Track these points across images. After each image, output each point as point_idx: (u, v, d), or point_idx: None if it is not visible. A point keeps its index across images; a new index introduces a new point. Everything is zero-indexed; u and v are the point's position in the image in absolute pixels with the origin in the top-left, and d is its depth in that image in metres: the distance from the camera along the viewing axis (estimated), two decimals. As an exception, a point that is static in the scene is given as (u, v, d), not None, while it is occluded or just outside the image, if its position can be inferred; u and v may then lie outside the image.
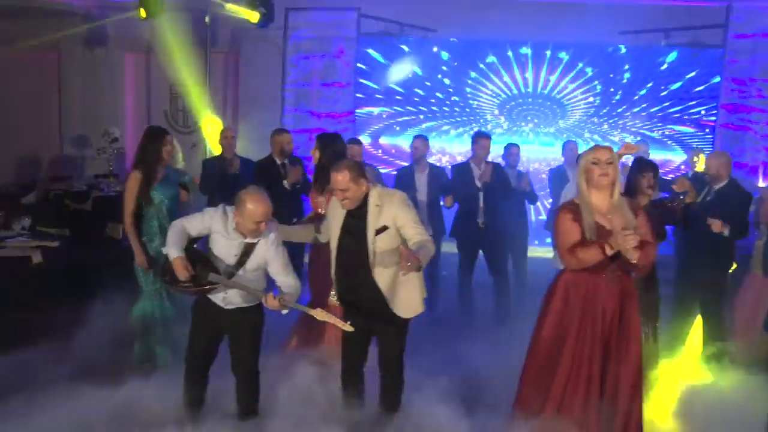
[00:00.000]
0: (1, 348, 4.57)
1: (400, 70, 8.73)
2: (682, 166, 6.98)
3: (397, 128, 8.91)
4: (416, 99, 8.77)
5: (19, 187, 8.97)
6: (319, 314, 3.47)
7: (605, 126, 8.45)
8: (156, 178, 4.79)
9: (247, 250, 3.62)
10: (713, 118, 8.08)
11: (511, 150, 6.67)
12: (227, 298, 3.71)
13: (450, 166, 6.88)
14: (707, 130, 8.13)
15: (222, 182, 6.16)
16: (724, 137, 7.95)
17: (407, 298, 3.78)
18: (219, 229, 3.62)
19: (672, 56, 8.19)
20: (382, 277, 3.71)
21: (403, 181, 6.24)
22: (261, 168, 6.12)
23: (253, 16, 8.33)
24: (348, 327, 3.48)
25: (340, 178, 3.65)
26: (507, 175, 6.39)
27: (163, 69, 10.59)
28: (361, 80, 8.69)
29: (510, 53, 8.38)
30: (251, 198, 3.50)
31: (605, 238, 3.42)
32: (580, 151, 6.71)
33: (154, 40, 10.32)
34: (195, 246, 3.80)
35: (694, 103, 8.14)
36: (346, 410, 3.88)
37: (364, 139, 8.84)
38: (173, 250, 3.61)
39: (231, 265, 3.64)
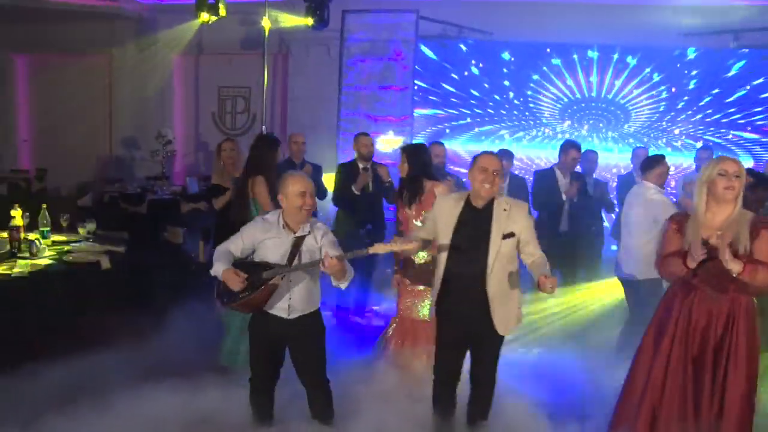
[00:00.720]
0: (78, 351, 4.52)
1: (459, 73, 8.57)
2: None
3: (448, 131, 8.76)
4: (473, 102, 8.61)
5: (75, 189, 9.01)
6: (379, 249, 3.42)
7: (669, 131, 8.19)
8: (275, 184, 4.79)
9: (297, 244, 3.58)
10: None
11: (589, 156, 6.48)
12: (292, 305, 3.62)
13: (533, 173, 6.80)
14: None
15: None
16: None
17: (508, 313, 3.64)
18: (266, 234, 3.60)
19: (741, 62, 7.90)
20: (492, 285, 3.55)
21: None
22: (339, 171, 6.10)
23: (308, 21, 8.24)
24: (414, 244, 3.55)
25: (496, 160, 3.57)
26: (587, 185, 6.24)
27: (212, 71, 10.69)
28: (418, 82, 8.54)
29: (575, 56, 8.16)
30: (290, 175, 3.64)
31: (711, 253, 3.26)
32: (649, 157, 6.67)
33: (203, 43, 10.39)
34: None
35: (760, 109, 7.86)
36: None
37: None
38: (219, 266, 3.57)
39: (284, 264, 3.55)
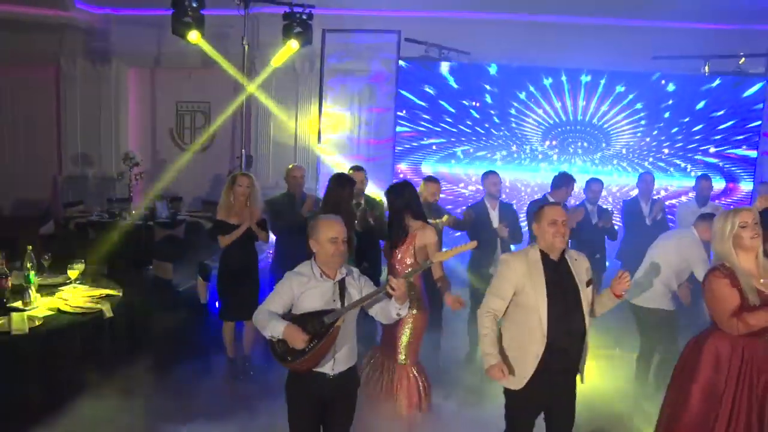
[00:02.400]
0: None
1: (442, 95, 8.52)
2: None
3: (430, 152, 8.68)
4: (464, 126, 8.56)
5: (31, 215, 8.37)
6: (440, 257, 3.53)
7: (651, 154, 8.44)
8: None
9: (343, 286, 3.45)
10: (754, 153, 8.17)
11: (592, 186, 6.54)
12: (337, 359, 3.45)
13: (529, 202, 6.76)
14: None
15: (297, 225, 5.82)
16: (766, 166, 8.07)
17: (585, 356, 3.55)
18: (305, 286, 3.41)
19: (715, 84, 8.21)
20: (586, 338, 3.48)
21: (477, 218, 6.01)
22: None
23: (292, 45, 7.88)
24: (473, 243, 3.44)
25: (561, 210, 3.47)
26: (588, 214, 6.29)
27: (170, 85, 10.21)
28: (401, 114, 8.42)
29: (563, 78, 8.28)
30: (322, 220, 3.50)
31: (766, 301, 3.32)
32: (654, 182, 6.85)
33: (159, 55, 9.89)
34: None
35: (738, 136, 8.20)
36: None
37: (406, 166, 8.63)
38: (277, 324, 3.32)
39: (336, 308, 3.40)
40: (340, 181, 5.10)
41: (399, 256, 4.59)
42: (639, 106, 8.27)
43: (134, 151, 8.73)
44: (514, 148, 8.54)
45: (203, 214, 8.98)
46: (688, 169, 8.33)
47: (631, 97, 8.25)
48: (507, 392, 3.56)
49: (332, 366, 3.45)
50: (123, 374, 4.83)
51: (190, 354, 5.40)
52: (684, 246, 4.98)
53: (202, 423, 4.58)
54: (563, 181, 6.29)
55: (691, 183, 7.25)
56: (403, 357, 4.53)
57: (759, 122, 8.19)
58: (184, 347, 5.45)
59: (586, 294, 3.45)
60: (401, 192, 4.68)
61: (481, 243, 5.84)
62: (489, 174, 6.22)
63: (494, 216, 6.07)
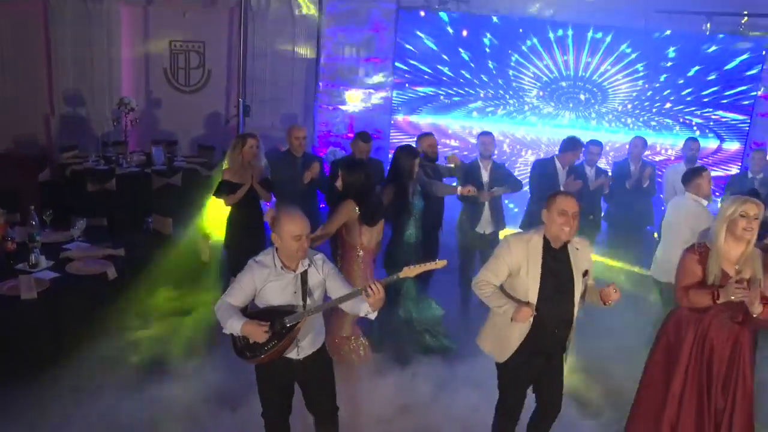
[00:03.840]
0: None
1: (441, 46, 8.40)
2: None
3: (423, 105, 8.65)
4: (461, 80, 8.51)
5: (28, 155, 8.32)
6: (410, 272, 3.31)
7: (645, 114, 8.44)
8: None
9: (304, 280, 3.44)
10: (750, 101, 8.18)
11: (590, 148, 6.58)
12: (301, 346, 3.52)
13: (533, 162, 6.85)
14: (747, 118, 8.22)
15: (296, 185, 5.90)
16: (758, 127, 8.12)
17: (573, 338, 3.72)
18: (267, 277, 3.40)
19: (716, 43, 8.14)
20: (573, 325, 3.64)
21: (469, 176, 6.09)
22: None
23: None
24: (442, 263, 3.32)
25: (574, 201, 3.50)
26: (585, 175, 6.38)
27: (163, 24, 9.95)
28: (398, 64, 8.32)
29: (551, 35, 8.16)
30: (286, 215, 3.37)
31: (725, 283, 3.50)
32: (646, 146, 6.89)
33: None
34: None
35: (734, 91, 8.18)
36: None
37: (403, 117, 8.61)
38: (235, 321, 3.32)
39: (297, 303, 3.42)
40: (408, 151, 5.28)
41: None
42: (640, 66, 8.24)
43: (129, 96, 8.61)
44: (512, 102, 8.52)
45: (200, 159, 8.97)
46: (677, 129, 8.37)
47: (633, 56, 8.19)
48: (497, 364, 3.75)
49: (297, 353, 3.52)
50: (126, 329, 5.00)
51: (195, 308, 5.55)
52: (692, 219, 5.00)
53: (208, 372, 4.74)
54: (571, 144, 6.33)
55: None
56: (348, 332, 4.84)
57: (748, 86, 8.18)
58: (188, 302, 5.60)
59: (580, 283, 3.56)
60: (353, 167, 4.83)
61: (470, 202, 6.02)
62: (482, 134, 6.27)
63: (485, 176, 6.16)
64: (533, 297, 3.51)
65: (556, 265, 3.55)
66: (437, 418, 4.41)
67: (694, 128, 8.32)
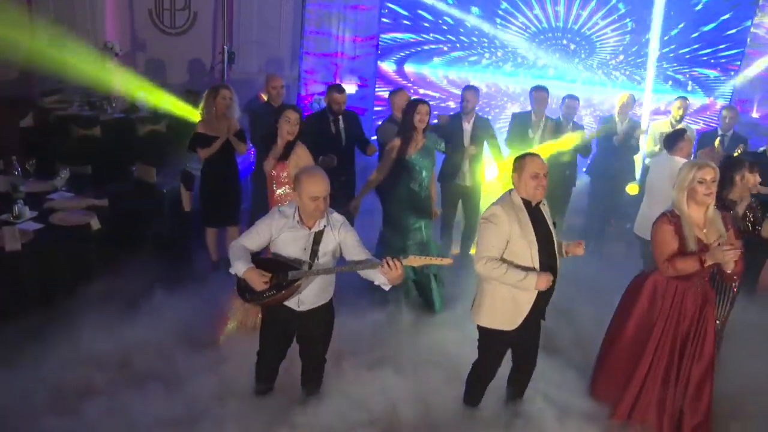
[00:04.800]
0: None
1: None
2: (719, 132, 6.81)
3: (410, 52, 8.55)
4: (444, 27, 8.38)
5: (9, 104, 8.21)
6: (414, 261, 3.37)
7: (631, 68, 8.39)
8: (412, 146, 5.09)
9: (317, 239, 3.53)
10: (737, 62, 8.14)
11: (567, 102, 6.60)
12: (302, 299, 3.64)
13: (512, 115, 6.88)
14: (732, 74, 8.16)
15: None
16: (743, 83, 8.11)
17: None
18: (282, 228, 3.53)
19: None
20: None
21: (450, 130, 6.13)
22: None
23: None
24: (448, 260, 3.42)
25: (542, 161, 3.60)
26: (563, 131, 6.44)
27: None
28: (388, 4, 8.19)
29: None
30: (307, 175, 3.46)
31: (703, 250, 3.65)
32: (634, 102, 6.90)
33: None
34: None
35: (723, 46, 8.12)
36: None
37: (389, 66, 8.54)
38: (240, 265, 3.49)
39: (305, 260, 3.53)
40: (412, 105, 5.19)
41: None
42: (629, 21, 8.11)
43: (113, 39, 8.47)
44: (500, 53, 8.44)
45: (185, 105, 8.90)
46: (669, 84, 8.35)
47: (623, 10, 8.07)
48: (481, 328, 3.81)
49: (297, 304, 3.65)
50: (110, 280, 5.04)
51: (176, 258, 5.67)
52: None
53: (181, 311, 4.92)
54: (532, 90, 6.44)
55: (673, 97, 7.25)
56: None
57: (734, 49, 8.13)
58: (170, 252, 5.69)
59: (555, 233, 3.71)
60: None
61: (451, 155, 6.08)
62: (466, 89, 6.26)
63: (467, 130, 6.20)
64: (536, 258, 3.58)
65: (538, 221, 3.64)
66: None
67: (688, 84, 8.29)
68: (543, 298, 3.69)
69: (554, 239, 3.72)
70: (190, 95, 9.34)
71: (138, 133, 7.72)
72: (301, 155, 4.71)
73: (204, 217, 5.86)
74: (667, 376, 3.90)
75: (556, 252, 3.73)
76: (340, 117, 5.88)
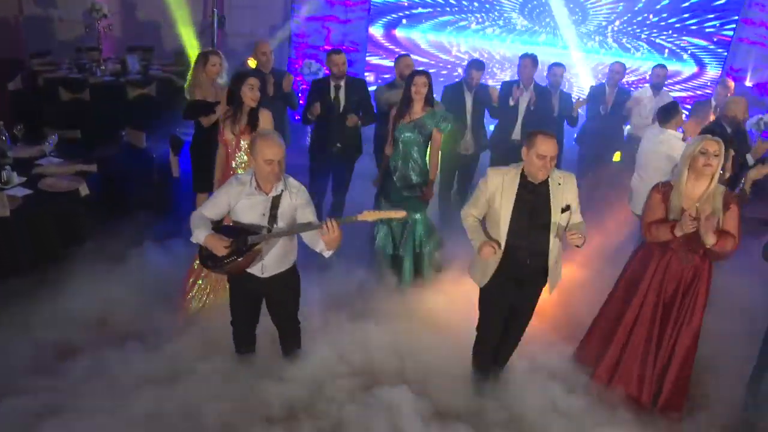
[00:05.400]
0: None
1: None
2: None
3: (404, 21, 8.46)
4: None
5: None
6: (369, 216, 3.42)
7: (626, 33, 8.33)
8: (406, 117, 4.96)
9: (275, 204, 3.58)
10: (730, 32, 8.09)
11: (554, 70, 6.59)
12: (265, 266, 3.70)
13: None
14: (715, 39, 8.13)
15: (265, 101, 5.90)
16: (736, 52, 8.09)
17: (557, 275, 3.89)
18: (241, 195, 3.57)
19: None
20: (551, 258, 3.76)
21: (451, 98, 6.13)
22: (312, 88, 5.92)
23: None
24: (402, 213, 3.47)
25: (553, 144, 3.54)
26: (550, 99, 6.43)
27: None
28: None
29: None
30: (261, 138, 3.50)
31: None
32: (624, 72, 6.84)
33: None
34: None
35: (712, 16, 8.07)
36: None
37: (377, 30, 8.47)
38: (200, 232, 3.53)
39: (264, 225, 3.58)
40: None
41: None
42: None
43: (100, 2, 8.34)
44: (492, 17, 8.38)
45: (176, 68, 8.84)
46: (666, 53, 8.32)
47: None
48: (480, 289, 3.95)
49: (261, 270, 3.71)
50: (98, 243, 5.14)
51: (164, 222, 5.72)
52: (675, 152, 5.05)
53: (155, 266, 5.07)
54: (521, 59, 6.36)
55: (673, 66, 7.21)
56: None
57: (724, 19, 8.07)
58: (158, 217, 5.74)
59: (558, 218, 3.66)
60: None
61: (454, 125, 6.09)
62: (472, 64, 6.17)
63: (468, 100, 6.18)
64: (504, 228, 3.66)
65: (532, 198, 3.65)
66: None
67: (682, 54, 8.26)
68: (514, 269, 3.74)
69: (552, 221, 3.67)
70: (181, 57, 9.30)
71: (128, 97, 7.68)
72: (266, 120, 4.66)
73: (195, 183, 5.86)
74: (649, 339, 4.02)
75: (550, 234, 3.69)
76: (342, 83, 5.82)
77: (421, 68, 5.62)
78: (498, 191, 3.67)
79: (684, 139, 5.22)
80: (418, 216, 5.15)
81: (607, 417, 3.92)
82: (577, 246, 3.60)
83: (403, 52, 6.75)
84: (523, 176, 3.66)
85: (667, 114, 5.35)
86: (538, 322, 4.31)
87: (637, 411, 4.00)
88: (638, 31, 8.25)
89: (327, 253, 3.55)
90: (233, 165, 4.68)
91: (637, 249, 4.18)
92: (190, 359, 4.11)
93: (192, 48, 8.70)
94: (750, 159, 5.18)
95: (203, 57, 5.54)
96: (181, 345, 4.25)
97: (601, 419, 3.90)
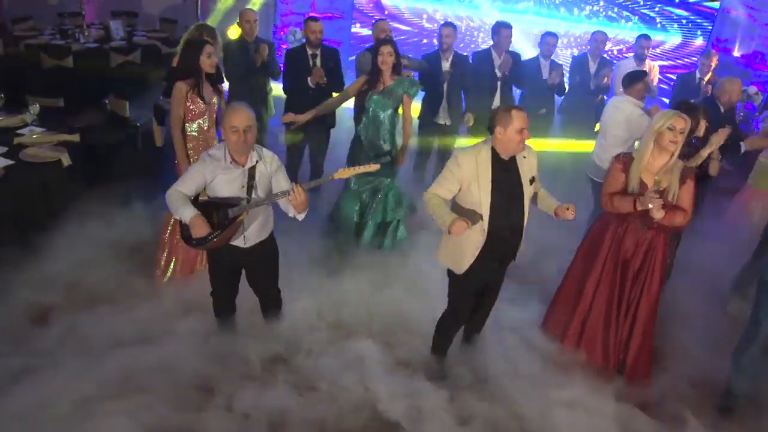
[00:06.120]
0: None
1: None
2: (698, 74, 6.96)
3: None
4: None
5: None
6: (344, 173, 3.56)
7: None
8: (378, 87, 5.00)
9: (252, 174, 3.62)
10: (716, 5, 8.08)
11: (546, 40, 6.56)
12: (247, 236, 3.75)
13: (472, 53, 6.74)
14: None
15: (249, 71, 5.91)
16: (722, 23, 8.08)
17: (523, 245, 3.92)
18: (216, 170, 3.59)
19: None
20: (524, 231, 3.80)
21: (429, 68, 6.09)
22: (288, 58, 5.88)
23: None
24: (375, 166, 3.58)
25: (526, 116, 3.55)
26: (523, 66, 6.47)
27: None
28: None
29: None
30: (229, 108, 3.56)
31: (642, 191, 3.84)
32: (606, 41, 6.85)
33: None
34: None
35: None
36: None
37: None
38: (186, 211, 3.52)
39: (243, 197, 3.62)
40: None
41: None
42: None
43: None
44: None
45: (161, 34, 8.77)
46: (659, 23, 8.30)
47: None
48: (450, 274, 3.92)
49: (243, 241, 3.76)
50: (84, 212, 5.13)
51: (150, 189, 5.71)
52: (634, 122, 5.17)
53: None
54: (495, 29, 6.38)
55: (658, 36, 7.20)
56: None
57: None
58: (145, 184, 5.75)
59: (528, 190, 3.71)
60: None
61: (431, 94, 6.11)
62: (443, 26, 6.16)
63: (446, 67, 6.14)
64: (486, 208, 3.64)
65: (505, 175, 3.66)
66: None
67: (667, 25, 8.24)
68: (496, 249, 3.75)
69: (525, 195, 3.71)
70: (166, 24, 9.22)
71: (111, 64, 7.63)
72: None
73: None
74: (609, 310, 4.15)
75: (525, 208, 3.73)
76: (318, 52, 5.82)
77: (385, 36, 5.69)
78: (473, 173, 3.62)
79: (642, 108, 5.27)
80: (388, 181, 5.20)
81: (570, 381, 4.03)
82: (570, 218, 3.69)
83: (378, 17, 6.70)
84: (494, 153, 3.65)
85: (630, 80, 5.35)
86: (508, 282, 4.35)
87: (602, 377, 4.12)
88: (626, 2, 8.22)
89: (299, 216, 3.65)
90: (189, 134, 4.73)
91: (600, 216, 4.24)
92: (167, 320, 4.23)
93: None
94: (743, 146, 5.24)
95: (196, 28, 5.42)
96: (157, 307, 4.37)
97: (563, 383, 4.01)
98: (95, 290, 4.57)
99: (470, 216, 3.63)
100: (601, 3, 8.29)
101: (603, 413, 3.82)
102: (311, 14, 8.19)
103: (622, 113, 5.28)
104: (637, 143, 4.84)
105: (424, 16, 8.54)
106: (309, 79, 5.68)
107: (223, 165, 3.59)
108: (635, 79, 5.28)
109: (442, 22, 6.27)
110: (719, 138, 4.60)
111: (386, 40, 5.08)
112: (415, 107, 5.48)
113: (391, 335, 4.40)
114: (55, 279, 4.57)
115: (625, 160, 3.94)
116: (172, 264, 4.88)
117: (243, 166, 3.60)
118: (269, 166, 3.68)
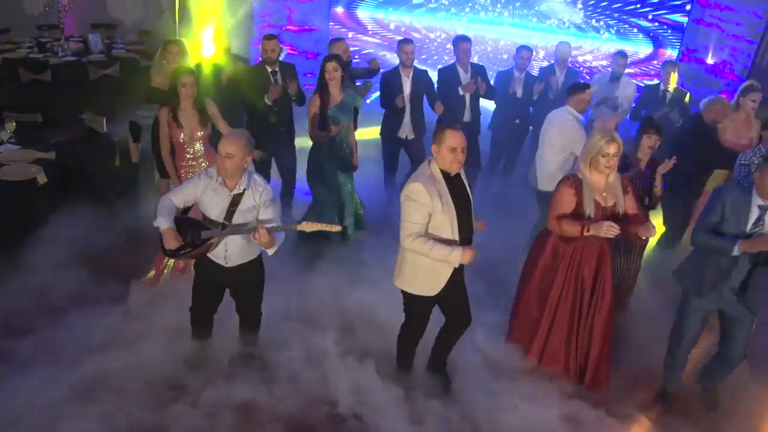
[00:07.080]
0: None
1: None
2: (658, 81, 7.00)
3: None
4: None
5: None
6: (307, 227, 3.64)
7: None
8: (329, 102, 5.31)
9: (236, 201, 3.70)
10: (684, 19, 8.26)
11: (521, 53, 6.67)
12: (228, 256, 3.83)
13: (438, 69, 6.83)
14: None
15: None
16: (692, 33, 8.25)
17: None
18: (206, 189, 3.71)
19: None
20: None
21: (391, 84, 6.17)
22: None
23: None
24: (337, 227, 3.70)
25: (461, 136, 3.63)
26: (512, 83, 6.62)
27: None
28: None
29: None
30: (224, 137, 3.68)
31: (598, 213, 3.95)
32: (573, 49, 7.00)
33: None
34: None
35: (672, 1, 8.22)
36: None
37: (340, 9, 8.50)
38: (163, 221, 3.68)
39: (221, 221, 3.72)
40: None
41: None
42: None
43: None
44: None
45: (140, 47, 8.81)
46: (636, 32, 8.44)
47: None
48: (411, 296, 3.93)
49: (225, 260, 3.85)
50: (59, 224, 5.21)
51: (131, 206, 5.82)
52: (566, 132, 5.28)
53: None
54: (454, 43, 6.47)
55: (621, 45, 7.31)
56: None
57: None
58: (121, 198, 5.84)
59: (472, 199, 3.88)
60: None
61: (392, 109, 6.20)
62: (401, 43, 6.21)
63: (407, 84, 6.19)
64: (455, 229, 3.71)
65: (456, 190, 3.75)
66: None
67: (638, 35, 8.39)
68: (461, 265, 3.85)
69: (471, 208, 3.84)
70: (146, 36, 9.28)
71: (90, 78, 7.68)
72: (212, 107, 5.00)
73: (159, 168, 5.92)
74: (571, 324, 4.25)
75: (474, 220, 3.86)
76: (277, 68, 5.89)
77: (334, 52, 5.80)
78: (437, 198, 3.64)
79: (579, 120, 5.40)
80: (350, 184, 5.69)
81: (536, 392, 4.13)
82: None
83: (336, 36, 6.83)
84: (443, 174, 3.71)
85: (572, 90, 5.47)
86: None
87: (564, 386, 4.22)
88: (595, 13, 8.37)
89: (269, 252, 3.75)
90: (187, 157, 4.92)
91: (545, 234, 4.28)
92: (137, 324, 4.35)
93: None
94: None
95: (165, 45, 5.60)
96: (127, 312, 4.52)
97: (529, 394, 4.11)
98: (66, 297, 4.61)
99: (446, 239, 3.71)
100: (581, 14, 8.42)
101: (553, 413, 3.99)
102: (290, 27, 8.35)
103: (557, 123, 5.40)
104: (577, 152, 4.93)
105: (403, 28, 8.66)
106: (266, 96, 5.75)
107: (213, 185, 3.70)
108: (577, 90, 5.40)
109: (401, 40, 6.34)
110: (664, 168, 4.77)
111: (330, 57, 5.38)
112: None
113: (356, 330, 4.55)
114: (27, 288, 4.62)
115: (576, 183, 4.00)
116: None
117: (231, 191, 3.69)
118: (257, 198, 3.73)
